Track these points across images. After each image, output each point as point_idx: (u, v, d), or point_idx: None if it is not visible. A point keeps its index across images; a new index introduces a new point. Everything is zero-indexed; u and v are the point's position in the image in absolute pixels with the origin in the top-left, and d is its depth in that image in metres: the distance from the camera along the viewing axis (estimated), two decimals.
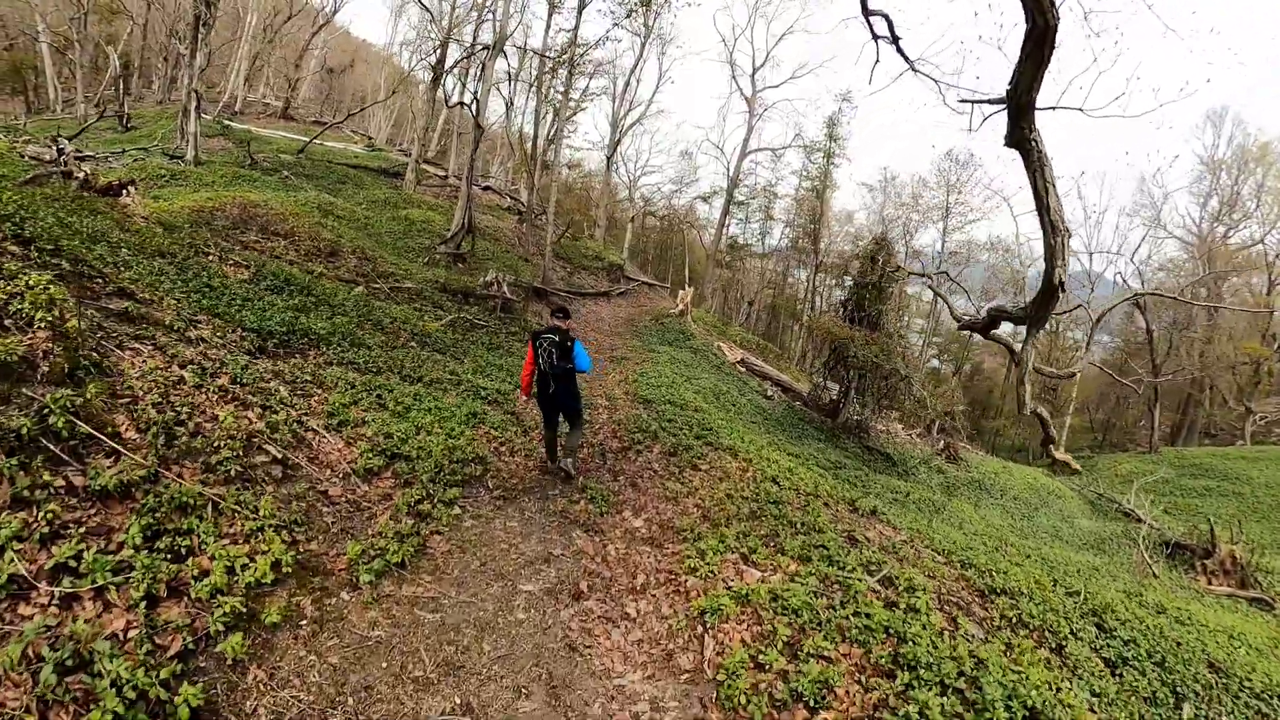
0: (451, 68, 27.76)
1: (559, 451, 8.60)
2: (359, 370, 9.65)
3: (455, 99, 26.65)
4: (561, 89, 27.74)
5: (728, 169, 37.65)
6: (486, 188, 36.64)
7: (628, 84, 38.93)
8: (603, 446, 10.37)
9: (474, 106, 22.38)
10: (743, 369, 23.82)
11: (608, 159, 40.19)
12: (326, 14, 41.99)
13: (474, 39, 26.67)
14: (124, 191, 11.40)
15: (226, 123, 29.78)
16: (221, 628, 4.01)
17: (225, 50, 44.36)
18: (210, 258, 11.57)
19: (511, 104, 30.83)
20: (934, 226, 41.56)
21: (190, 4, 23.51)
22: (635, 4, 22.55)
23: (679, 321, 24.11)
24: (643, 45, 38.17)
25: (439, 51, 28.15)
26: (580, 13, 23.15)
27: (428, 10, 28.53)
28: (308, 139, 30.19)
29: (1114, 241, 49.13)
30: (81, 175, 10.92)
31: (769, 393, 22.42)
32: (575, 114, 40.68)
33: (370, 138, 42.79)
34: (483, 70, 22.18)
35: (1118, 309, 46.90)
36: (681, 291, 26.40)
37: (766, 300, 44.85)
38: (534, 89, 29.70)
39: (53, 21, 39.18)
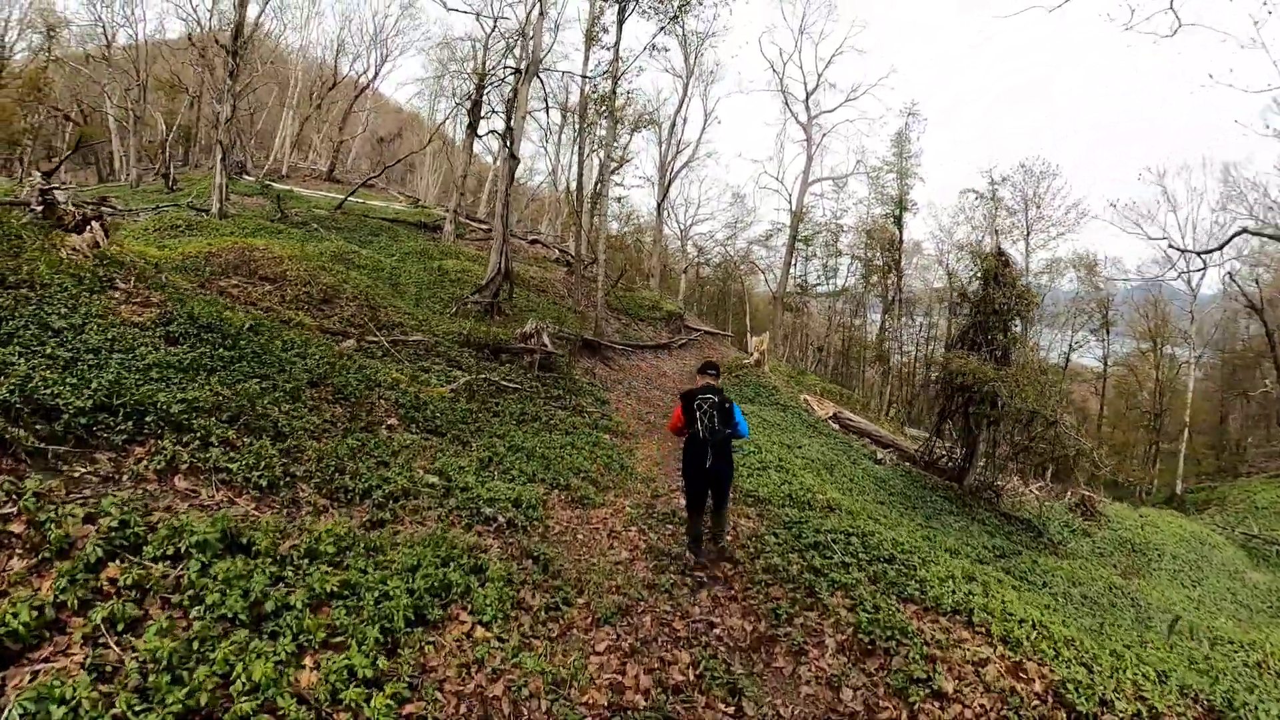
0: (481, 108, 24.22)
1: (705, 535, 6.91)
2: (228, 484, 5.23)
3: (489, 130, 23.00)
4: (604, 130, 23.90)
5: (789, 202, 33.32)
6: (535, 240, 33.25)
7: (673, 126, 35.42)
8: (715, 629, 5.62)
9: (507, 136, 18.65)
10: (836, 426, 18.83)
11: (658, 206, 36.43)
12: (364, 81, 40.05)
13: (503, 64, 23.18)
14: (88, 227, 9.51)
15: (268, 183, 27.54)
16: None
17: (273, 117, 43.14)
18: (115, 295, 7.53)
19: (549, 133, 27.18)
20: (1012, 248, 36.09)
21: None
22: (679, 6, 18.54)
23: (755, 373, 19.45)
24: (686, 85, 34.63)
25: (475, 94, 24.79)
26: (621, 26, 19.34)
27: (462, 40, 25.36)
28: (345, 196, 27.29)
29: (1207, 240, 42.35)
30: (40, 207, 9.72)
31: (879, 456, 17.34)
32: (622, 162, 37.24)
33: (416, 198, 40.27)
34: (514, 96, 18.45)
35: (1213, 318, 40.25)
36: (755, 339, 21.84)
37: (836, 345, 39.88)
38: (575, 124, 26.13)
39: (119, 99, 39.52)
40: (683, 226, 45.97)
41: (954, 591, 6.69)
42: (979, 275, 18.37)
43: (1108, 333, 41.63)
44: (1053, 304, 39.85)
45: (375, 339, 11.75)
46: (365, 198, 31.69)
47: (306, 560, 4.62)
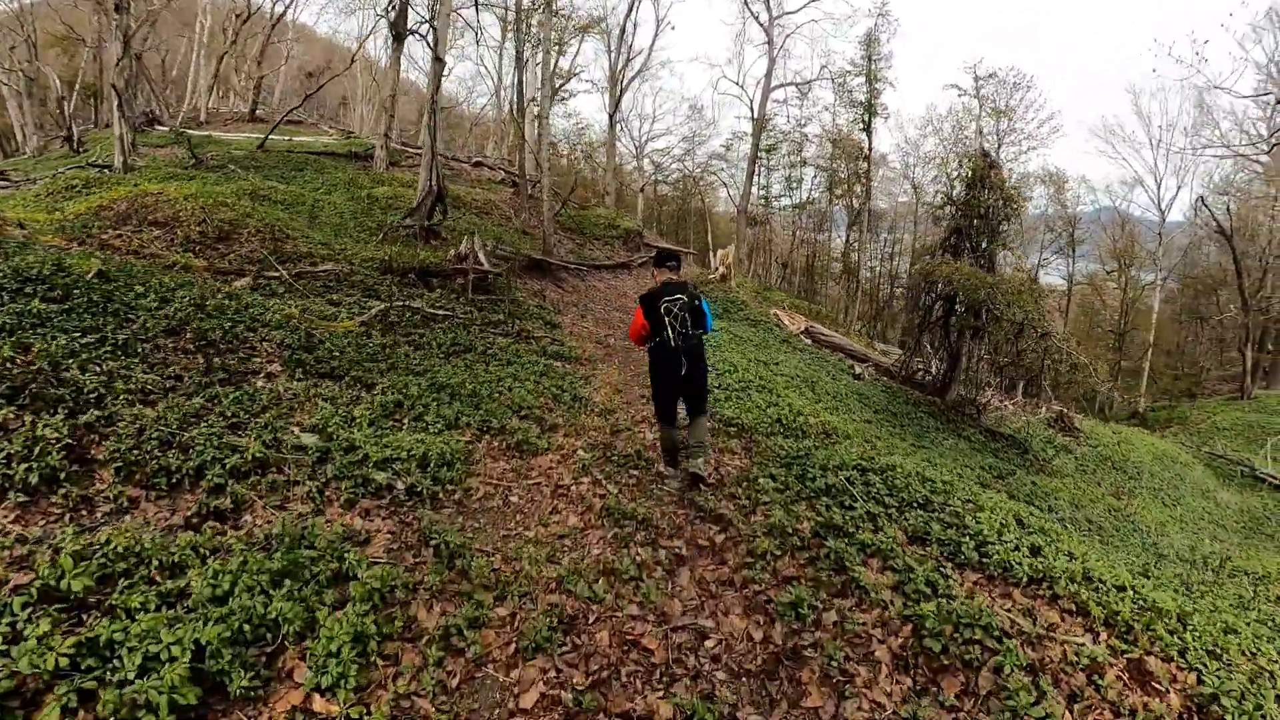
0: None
1: (681, 453, 5.69)
2: None
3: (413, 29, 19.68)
4: (542, 26, 20.73)
5: (750, 109, 30.38)
6: (479, 163, 30.09)
7: (623, 32, 31.85)
8: (708, 640, 3.69)
9: (431, 36, 15.68)
10: (809, 341, 17.07)
11: (610, 118, 33.28)
12: (280, 9, 35.24)
13: None
14: None
15: (182, 131, 24.04)
16: None
17: (189, 64, 37.88)
18: None
19: (480, 33, 23.88)
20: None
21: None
22: None
23: (721, 288, 17.38)
24: None
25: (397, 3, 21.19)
26: None
27: None
28: (267, 134, 23.99)
29: (1180, 169, 41.22)
30: None
31: (857, 371, 15.66)
32: (570, 76, 33.86)
33: (350, 131, 36.22)
34: None
35: (1177, 243, 39.43)
36: (720, 252, 19.70)
37: (800, 262, 37.83)
38: (511, 20, 22.86)
39: (8, 63, 33.56)
40: (638, 143, 42.75)
41: (1017, 547, 4.89)
42: (964, 178, 16.37)
43: (1073, 251, 40.60)
44: (1019, 222, 38.41)
45: (277, 274, 9.35)
46: (292, 134, 28.24)
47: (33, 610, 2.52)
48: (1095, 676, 3.60)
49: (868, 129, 31.19)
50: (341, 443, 5.24)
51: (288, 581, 3.45)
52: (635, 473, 5.90)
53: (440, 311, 9.94)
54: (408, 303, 9.63)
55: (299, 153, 22.83)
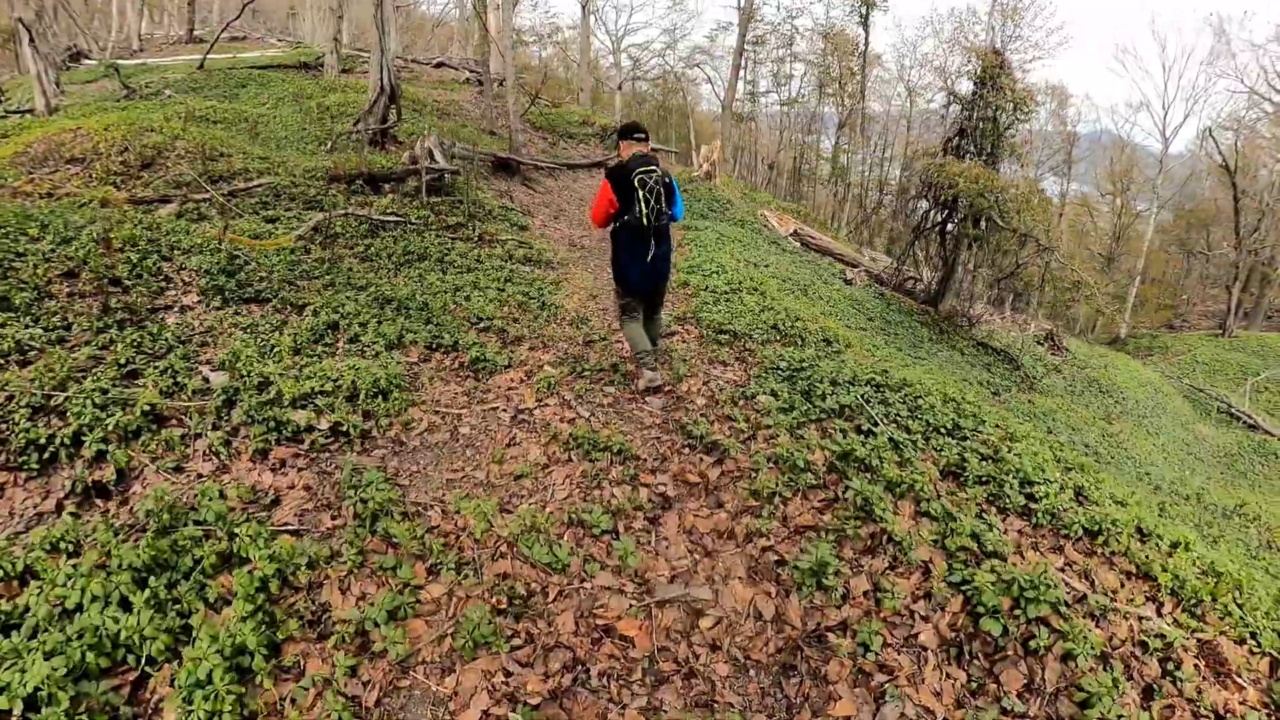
0: None
1: (649, 346, 5.02)
2: None
3: None
4: None
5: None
6: (441, 64, 27.51)
7: None
8: (704, 618, 2.81)
9: None
10: (798, 244, 15.98)
11: (582, 7, 30.52)
12: None
13: None
14: None
15: (113, 63, 21.35)
16: None
17: None
18: None
19: None
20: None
21: None
22: None
23: (706, 186, 16.01)
24: None
25: None
26: None
27: None
28: (204, 54, 21.41)
29: (1190, 97, 39.00)
30: None
31: (848, 276, 14.68)
32: None
33: (300, 42, 32.70)
34: None
35: (1176, 174, 37.92)
36: (705, 148, 18.17)
37: (787, 164, 35.77)
38: None
39: None
40: (614, 36, 39.55)
41: (1062, 489, 4.05)
42: (973, 74, 14.82)
43: (1069, 170, 39.01)
44: (1026, 130, 36.51)
45: (206, 195, 7.96)
46: (237, 52, 25.40)
47: None
48: (1170, 665, 2.82)
49: (865, 22, 28.65)
50: (254, 379, 4.26)
51: (152, 580, 2.50)
52: (611, 390, 4.90)
53: (391, 218, 8.64)
54: (351, 211, 8.31)
55: (243, 69, 20.53)
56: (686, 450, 4.13)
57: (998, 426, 4.80)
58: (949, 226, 15.42)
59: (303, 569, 2.90)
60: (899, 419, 4.58)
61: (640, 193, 4.47)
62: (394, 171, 10.15)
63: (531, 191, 14.29)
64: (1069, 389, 15.62)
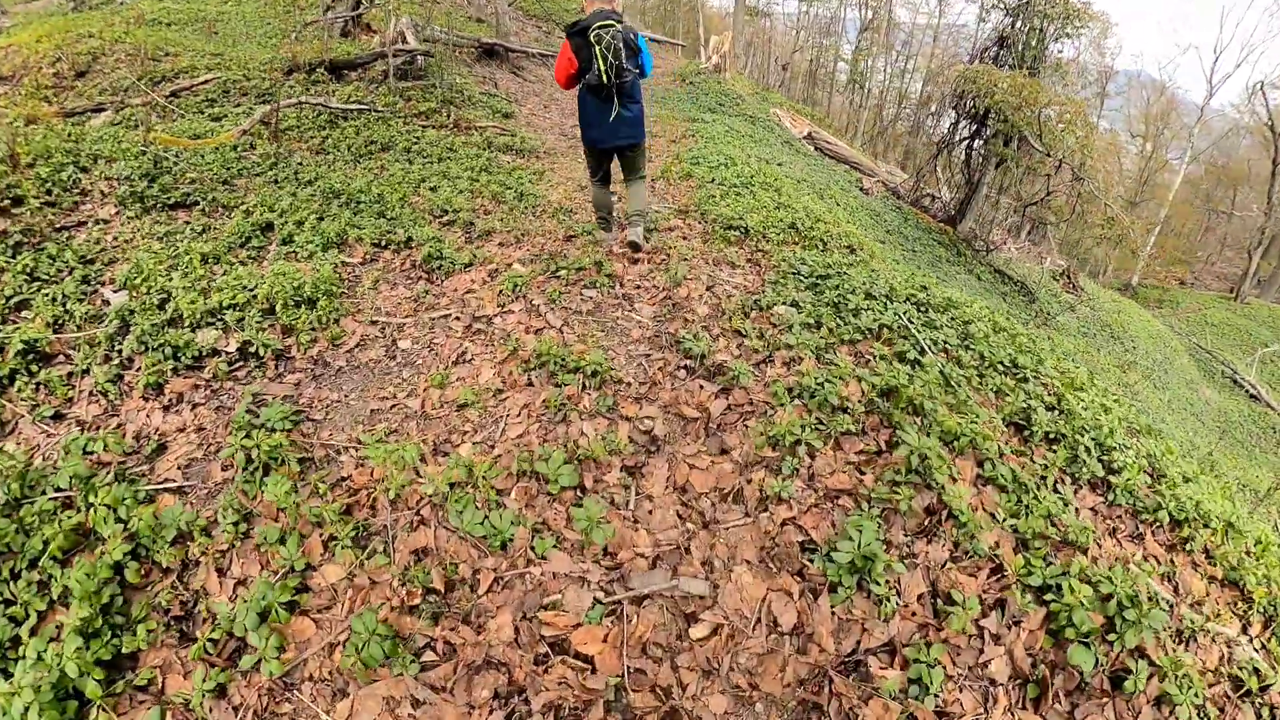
0: None
1: (615, 215, 4.97)
2: None
3: None
4: None
5: None
6: None
7: None
8: (703, 621, 1.88)
9: None
10: (811, 147, 14.63)
11: None
12: None
13: None
14: None
15: None
16: None
17: None
18: None
19: None
20: None
21: None
22: None
23: (715, 79, 14.41)
24: None
25: None
26: None
27: None
28: None
29: (1246, 46, 35.83)
30: None
31: (865, 185, 13.45)
32: None
33: None
34: None
35: (1217, 129, 35.28)
36: (715, 39, 16.36)
37: (802, 67, 33.06)
38: None
39: None
40: None
41: (1137, 455, 3.18)
42: None
43: (1102, 105, 36.38)
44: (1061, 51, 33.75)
45: (147, 99, 6.71)
46: None
47: None
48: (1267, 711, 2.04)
49: None
50: (154, 296, 3.46)
51: None
52: (592, 294, 3.91)
53: (354, 107, 7.40)
54: (305, 100, 7.04)
55: None
56: (683, 374, 3.19)
57: (1058, 370, 3.87)
58: (976, 143, 14.04)
59: (165, 546, 2.08)
60: (948, 347, 3.64)
61: (597, 49, 4.12)
62: (359, 57, 8.76)
63: (521, 80, 12.77)
64: (1082, 330, 14.70)
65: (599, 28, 4.10)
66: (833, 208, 8.77)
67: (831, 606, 2.02)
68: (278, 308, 3.48)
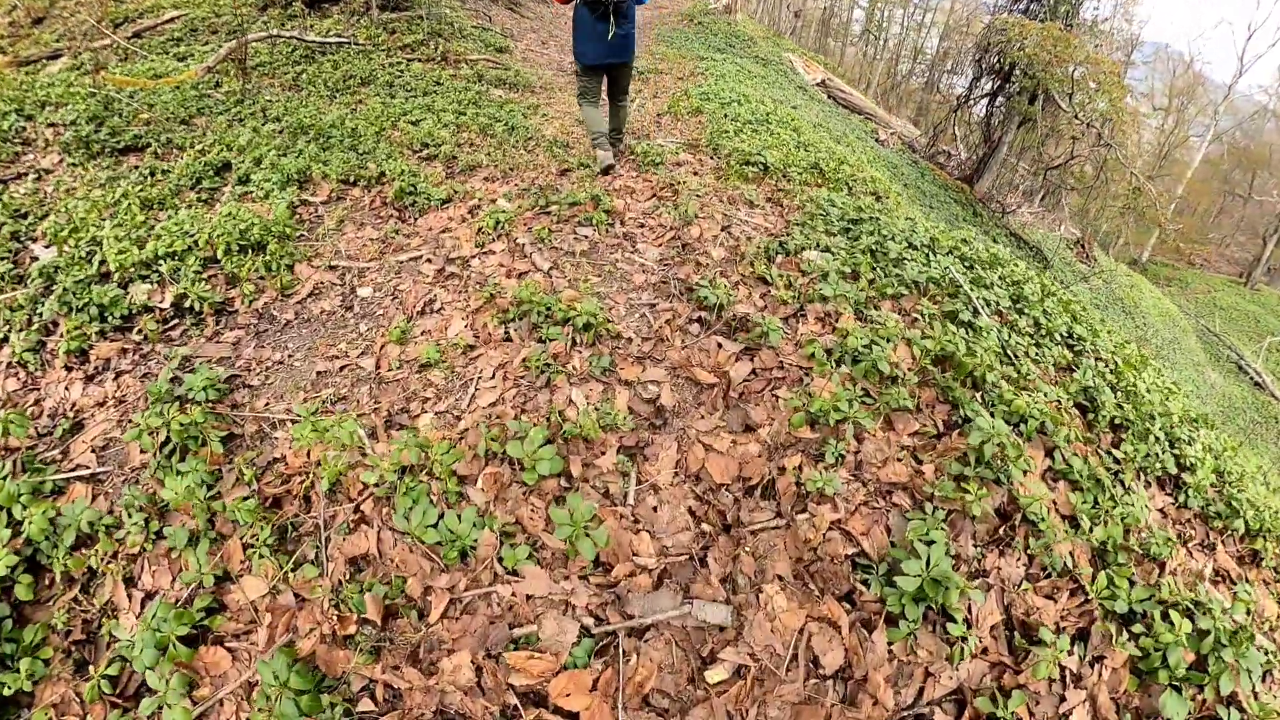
0: None
1: (607, 129, 4.69)
2: None
3: None
4: None
5: None
6: None
7: None
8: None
9: None
10: (825, 95, 13.83)
11: None
12: None
13: None
14: None
15: None
16: None
17: None
18: None
19: None
20: None
21: None
22: None
23: (726, 20, 13.51)
24: None
25: None
26: None
27: None
28: None
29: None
30: None
31: (881, 136, 12.71)
32: None
33: None
34: None
35: (1243, 110, 33.68)
36: None
37: (815, 15, 31.47)
38: None
39: None
40: None
41: (1204, 449, 2.71)
42: None
43: (1125, 73, 34.69)
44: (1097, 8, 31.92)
45: (106, 41, 6.10)
46: None
47: None
48: None
49: None
50: (81, 247, 2.97)
51: None
52: (587, 233, 3.34)
53: (333, 40, 6.67)
54: (277, 34, 6.30)
55: None
56: (695, 329, 2.65)
57: (1114, 345, 3.34)
58: (998, 100, 13.21)
59: (64, 553, 1.60)
60: (1001, 310, 3.11)
61: None
62: None
63: (518, 16, 11.87)
64: (1095, 302, 14.13)
65: None
66: (854, 154, 8.12)
67: (889, 644, 1.54)
68: (220, 255, 2.94)
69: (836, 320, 2.66)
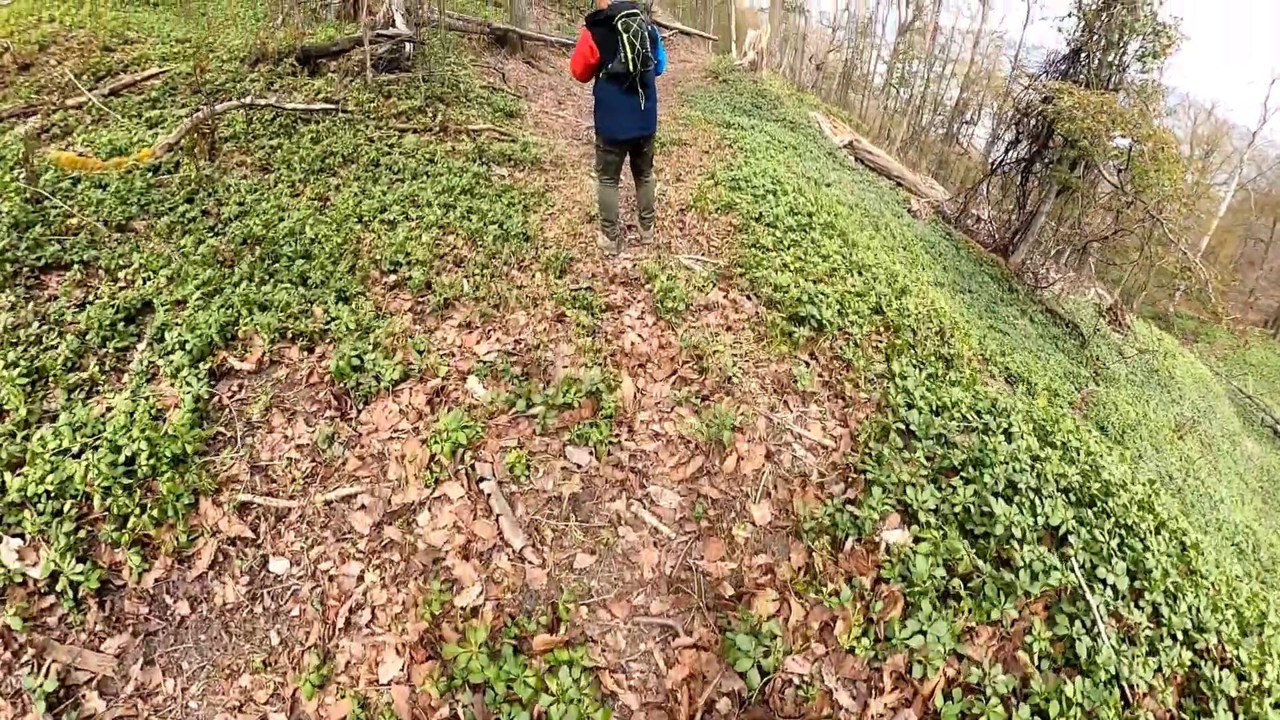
0: None
1: (618, 217, 4.50)
2: None
3: None
4: None
5: None
6: None
7: None
8: None
9: None
10: (852, 157, 13.02)
11: None
12: None
13: None
14: None
15: None
16: None
17: None
18: None
19: None
20: None
21: None
22: None
23: (751, 78, 12.77)
24: None
25: None
26: None
27: None
28: None
29: None
30: None
31: (913, 206, 11.84)
32: None
33: None
34: None
35: (1268, 156, 32.53)
36: (753, 34, 14.71)
37: (837, 66, 30.74)
38: None
39: None
40: None
41: None
42: None
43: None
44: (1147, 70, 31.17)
45: (83, 98, 5.53)
46: None
47: None
48: None
49: None
50: None
51: None
52: (580, 458, 2.40)
53: (320, 106, 5.85)
54: (252, 102, 5.45)
55: None
56: (726, 704, 1.69)
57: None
58: (1035, 166, 12.30)
59: None
60: (1119, 610, 2.11)
61: (624, 37, 3.90)
62: (334, 44, 7.11)
63: (536, 71, 11.12)
64: (1130, 377, 13.06)
65: (625, 16, 3.91)
66: (893, 245, 7.18)
67: None
68: (95, 499, 2.04)
69: (921, 683, 1.69)
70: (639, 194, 4.56)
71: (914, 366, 3.44)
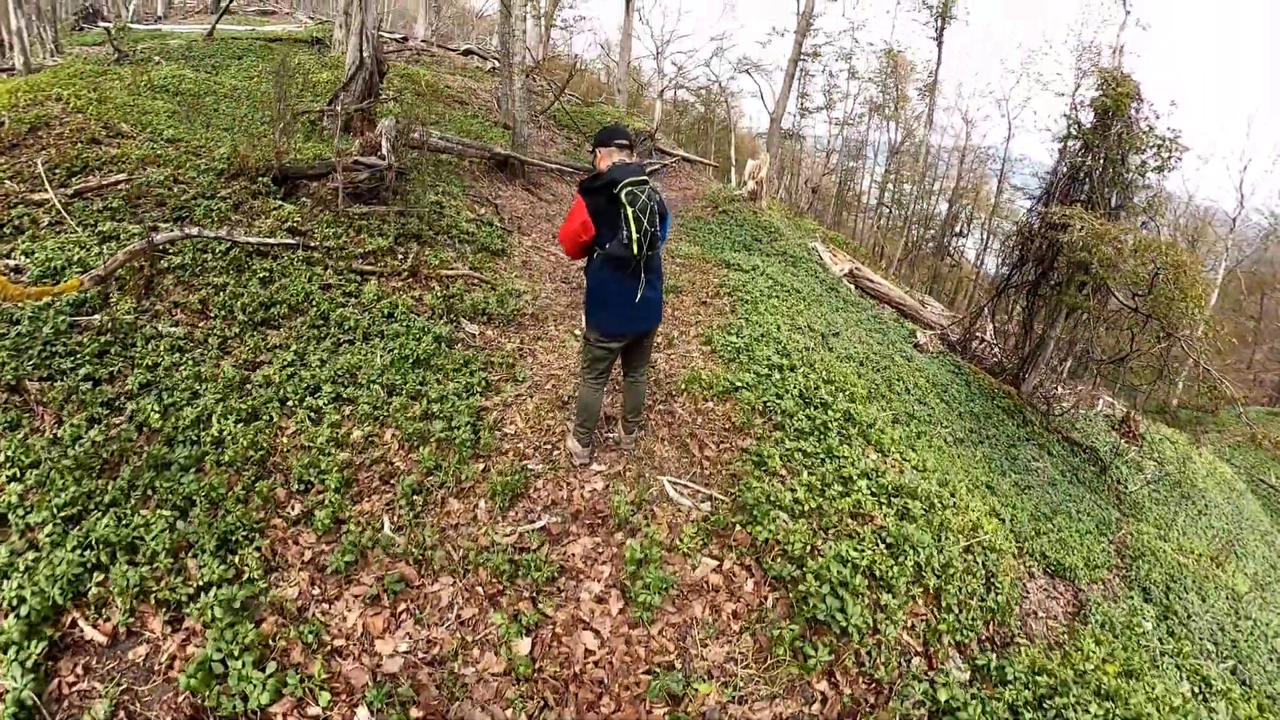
0: None
1: (596, 424, 3.83)
2: None
3: None
4: None
5: (797, 3, 23.65)
6: (468, 51, 24.16)
7: None
8: None
9: None
10: (853, 286, 12.50)
11: (626, 1, 26.89)
12: None
13: None
14: None
15: (125, 25, 19.39)
16: None
17: None
18: None
19: None
20: (1059, 101, 26.43)
21: None
22: None
23: (751, 209, 12.44)
24: None
25: None
26: None
27: None
28: (214, 24, 18.66)
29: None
30: None
31: (919, 339, 11.12)
32: None
33: (326, 20, 29.55)
34: None
35: (1250, 237, 32.87)
36: (752, 164, 14.58)
37: (832, 189, 31.25)
38: None
39: None
40: (659, 41, 35.49)
41: None
42: (1098, 104, 10.91)
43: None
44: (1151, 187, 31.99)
45: (47, 197, 4.93)
46: (258, 24, 22.56)
47: None
48: None
49: (939, 38, 23.91)
50: None
51: None
52: None
53: (275, 241, 5.14)
54: (200, 234, 4.75)
55: (247, 39, 17.54)
56: None
57: None
58: (1040, 288, 11.69)
59: None
60: None
61: (630, 211, 3.02)
62: (312, 167, 6.62)
63: (535, 199, 10.72)
64: (1153, 496, 11.91)
65: (631, 184, 3.06)
66: (900, 397, 6.32)
67: None
68: None
69: None
70: (625, 392, 3.71)
71: (954, 646, 2.46)
